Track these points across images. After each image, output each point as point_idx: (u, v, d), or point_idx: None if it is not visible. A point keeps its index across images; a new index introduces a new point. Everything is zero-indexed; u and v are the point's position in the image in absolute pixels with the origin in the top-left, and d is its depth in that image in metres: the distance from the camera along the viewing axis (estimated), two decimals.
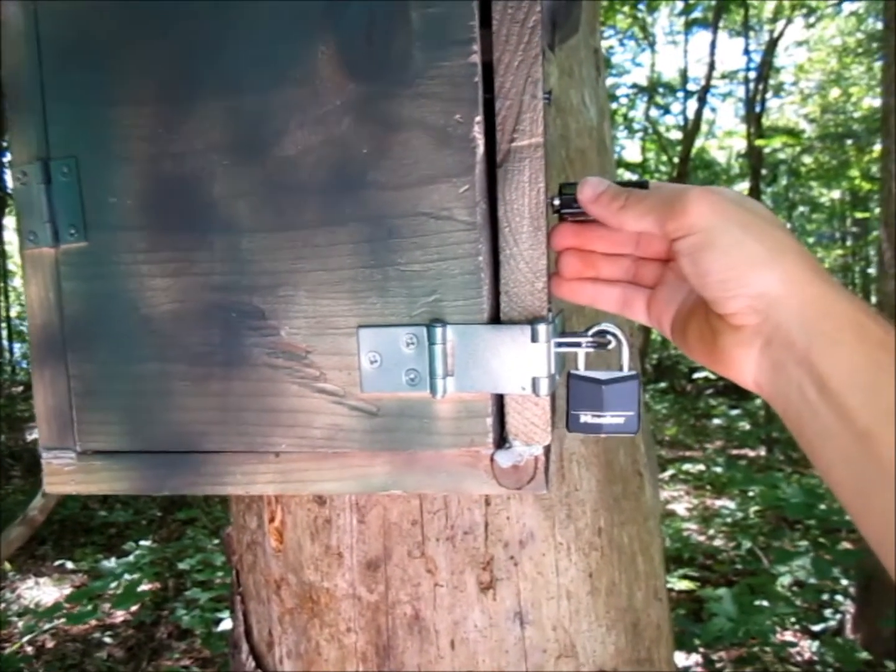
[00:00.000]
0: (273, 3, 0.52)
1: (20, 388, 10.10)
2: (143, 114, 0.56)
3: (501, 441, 0.54)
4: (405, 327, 0.52)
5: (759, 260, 0.46)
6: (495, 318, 0.52)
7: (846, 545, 3.62)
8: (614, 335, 0.55)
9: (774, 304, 0.46)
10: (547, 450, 0.54)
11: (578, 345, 0.55)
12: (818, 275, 0.46)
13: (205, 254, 0.55)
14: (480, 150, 0.50)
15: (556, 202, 0.55)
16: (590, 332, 0.55)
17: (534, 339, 0.51)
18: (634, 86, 11.34)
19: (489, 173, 0.51)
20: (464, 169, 0.50)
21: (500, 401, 0.53)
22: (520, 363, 0.51)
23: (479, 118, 0.50)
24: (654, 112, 11.60)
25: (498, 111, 0.50)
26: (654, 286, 0.57)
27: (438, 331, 0.51)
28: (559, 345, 0.54)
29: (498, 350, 0.51)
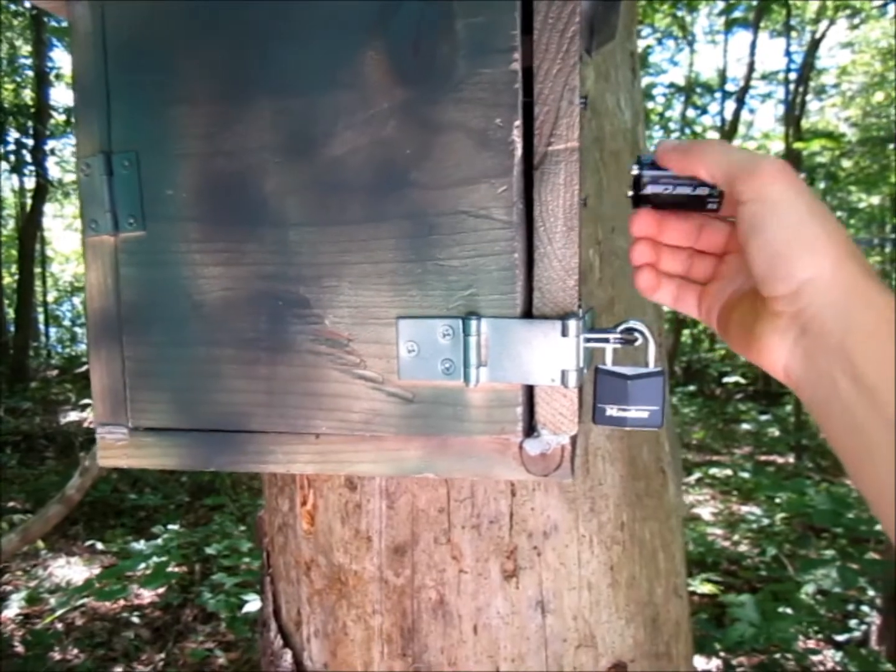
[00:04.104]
0: (324, 10, 0.55)
1: (55, 372, 10.32)
2: (200, 113, 0.59)
3: (530, 430, 0.56)
4: (442, 319, 0.55)
5: (817, 243, 0.46)
6: (528, 313, 0.55)
7: (873, 555, 3.58)
8: (641, 332, 0.57)
9: (819, 291, 0.46)
10: (573, 439, 0.56)
11: (607, 340, 0.57)
12: (865, 267, 0.47)
13: (255, 245, 0.59)
14: (518, 152, 0.53)
15: (636, 170, 0.55)
16: (618, 329, 0.57)
17: (564, 333, 0.53)
18: (672, 85, 11.23)
19: (526, 175, 0.54)
20: (502, 170, 0.53)
21: (530, 391, 0.56)
22: (550, 356, 0.54)
23: (518, 122, 0.52)
24: (690, 112, 11.48)
25: (536, 116, 0.53)
26: (705, 282, 0.59)
27: (473, 323, 0.54)
28: (588, 340, 0.56)
29: (530, 343, 0.54)
